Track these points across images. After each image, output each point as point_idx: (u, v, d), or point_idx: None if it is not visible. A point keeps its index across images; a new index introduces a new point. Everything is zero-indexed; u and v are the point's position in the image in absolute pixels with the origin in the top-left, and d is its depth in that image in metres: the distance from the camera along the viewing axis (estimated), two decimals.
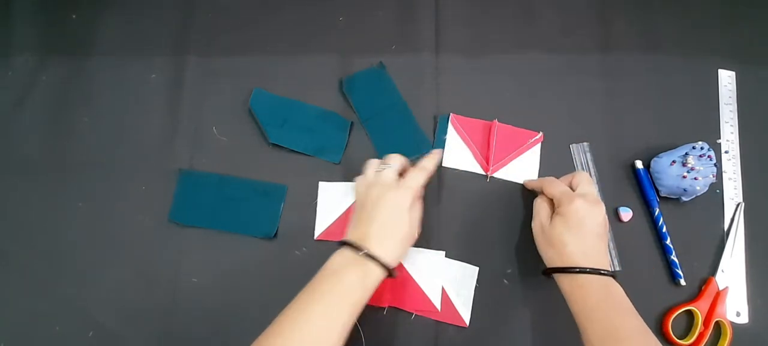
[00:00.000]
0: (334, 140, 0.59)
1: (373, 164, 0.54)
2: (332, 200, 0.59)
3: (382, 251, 0.47)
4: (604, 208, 0.50)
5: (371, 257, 0.47)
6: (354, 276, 0.46)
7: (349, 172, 0.59)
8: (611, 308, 0.45)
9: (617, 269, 0.57)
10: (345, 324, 0.45)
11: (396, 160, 0.54)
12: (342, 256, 0.48)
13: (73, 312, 0.57)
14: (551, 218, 0.51)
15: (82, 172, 0.61)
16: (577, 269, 0.47)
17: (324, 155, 0.60)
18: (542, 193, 0.55)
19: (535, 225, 0.53)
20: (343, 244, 0.49)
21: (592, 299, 0.46)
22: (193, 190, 0.60)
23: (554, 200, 0.52)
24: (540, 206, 0.54)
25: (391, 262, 0.48)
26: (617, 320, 0.44)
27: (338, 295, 0.45)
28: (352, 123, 0.62)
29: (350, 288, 0.46)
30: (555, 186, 0.53)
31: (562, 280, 0.49)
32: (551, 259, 0.50)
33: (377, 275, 0.47)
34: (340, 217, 0.59)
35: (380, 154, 0.56)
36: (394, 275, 0.49)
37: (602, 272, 0.47)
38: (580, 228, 0.48)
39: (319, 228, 0.59)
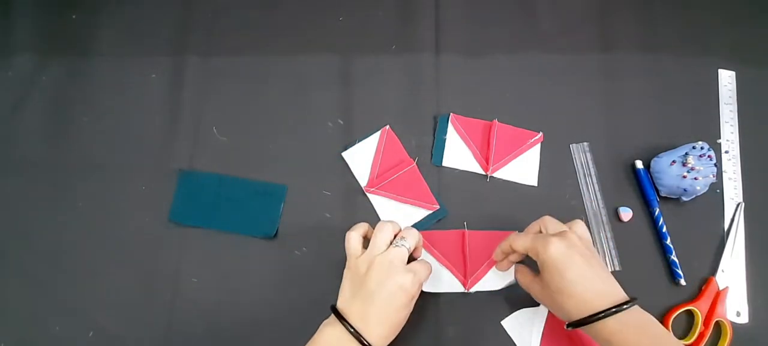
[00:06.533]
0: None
1: (385, 231, 0.49)
2: None
3: (374, 338, 0.45)
4: (575, 234, 0.47)
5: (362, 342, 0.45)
6: None
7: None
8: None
9: (617, 269, 0.57)
10: None
11: (412, 238, 0.49)
12: (334, 334, 0.46)
13: (73, 312, 0.56)
14: (538, 274, 0.48)
15: (82, 172, 0.61)
16: (601, 315, 0.43)
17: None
18: (512, 254, 0.52)
19: (533, 292, 0.50)
20: (338, 315, 0.46)
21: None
22: (193, 190, 0.60)
23: (530, 253, 0.48)
24: (521, 275, 0.52)
25: None
26: None
27: None
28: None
29: None
30: (521, 240, 0.49)
31: (594, 330, 0.44)
32: (568, 311, 0.45)
33: None
34: None
35: None
36: None
37: (623, 306, 0.43)
38: (570, 267, 0.44)
39: None
